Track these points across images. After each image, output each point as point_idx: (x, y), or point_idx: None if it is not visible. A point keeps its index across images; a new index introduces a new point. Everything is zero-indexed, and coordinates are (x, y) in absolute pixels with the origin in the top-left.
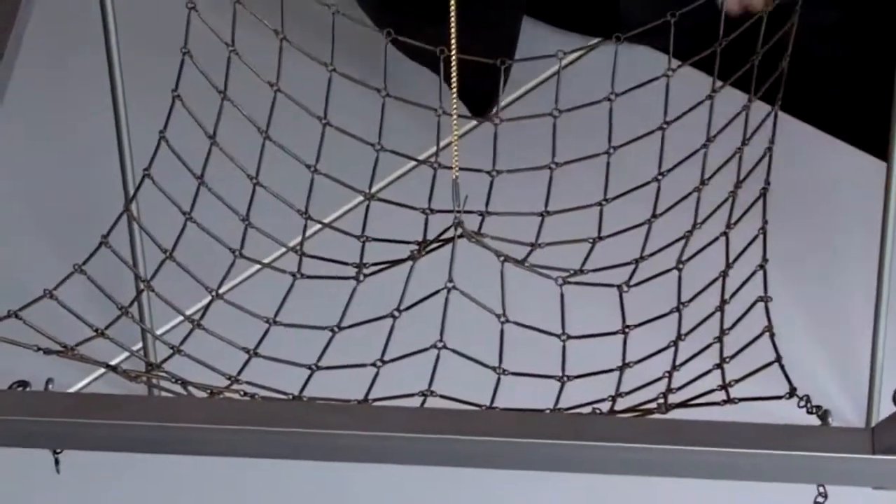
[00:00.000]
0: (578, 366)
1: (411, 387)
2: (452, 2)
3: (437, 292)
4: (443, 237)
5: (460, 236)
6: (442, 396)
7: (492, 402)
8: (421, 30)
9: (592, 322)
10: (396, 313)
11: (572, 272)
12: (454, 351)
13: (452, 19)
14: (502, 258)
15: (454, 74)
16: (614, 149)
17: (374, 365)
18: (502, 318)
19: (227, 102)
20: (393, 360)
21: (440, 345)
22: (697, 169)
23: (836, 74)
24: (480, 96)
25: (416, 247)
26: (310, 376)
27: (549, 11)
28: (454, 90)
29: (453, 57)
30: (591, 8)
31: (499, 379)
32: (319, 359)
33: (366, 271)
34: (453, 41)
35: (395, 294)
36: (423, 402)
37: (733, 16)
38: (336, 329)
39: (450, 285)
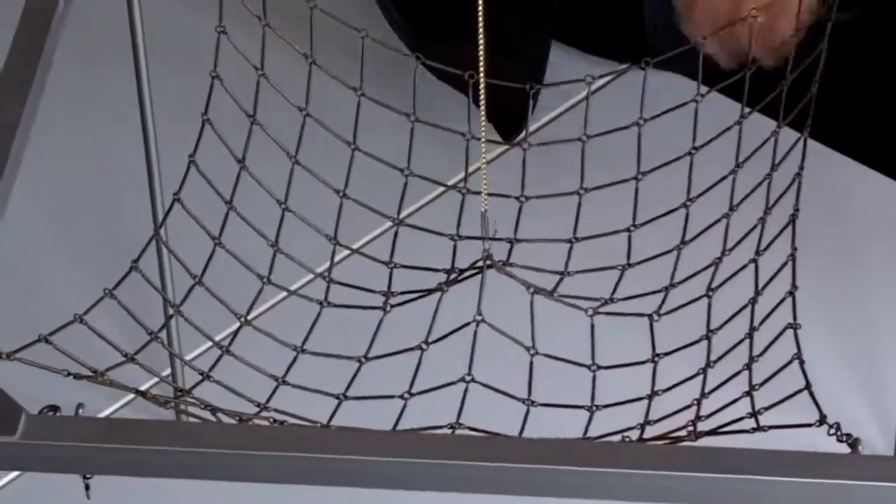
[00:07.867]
0: (607, 393)
1: (440, 417)
2: (481, 25)
3: (465, 325)
4: (471, 269)
5: (489, 267)
6: (470, 428)
7: (521, 432)
8: (451, 51)
9: (621, 348)
10: (424, 346)
11: (602, 301)
12: (483, 384)
13: (481, 42)
14: (532, 290)
15: (483, 99)
16: (643, 174)
17: (401, 397)
18: (532, 351)
19: (256, 126)
20: (421, 393)
21: (468, 378)
22: (726, 195)
23: (864, 100)
24: (509, 119)
25: (445, 275)
26: (338, 405)
27: (576, 36)
28: (483, 114)
29: (482, 81)
30: (617, 33)
31: (528, 410)
32: (347, 388)
33: (393, 301)
34: (482, 65)
35: (423, 321)
36: (452, 433)
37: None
38: (363, 360)
39: (478, 318)
